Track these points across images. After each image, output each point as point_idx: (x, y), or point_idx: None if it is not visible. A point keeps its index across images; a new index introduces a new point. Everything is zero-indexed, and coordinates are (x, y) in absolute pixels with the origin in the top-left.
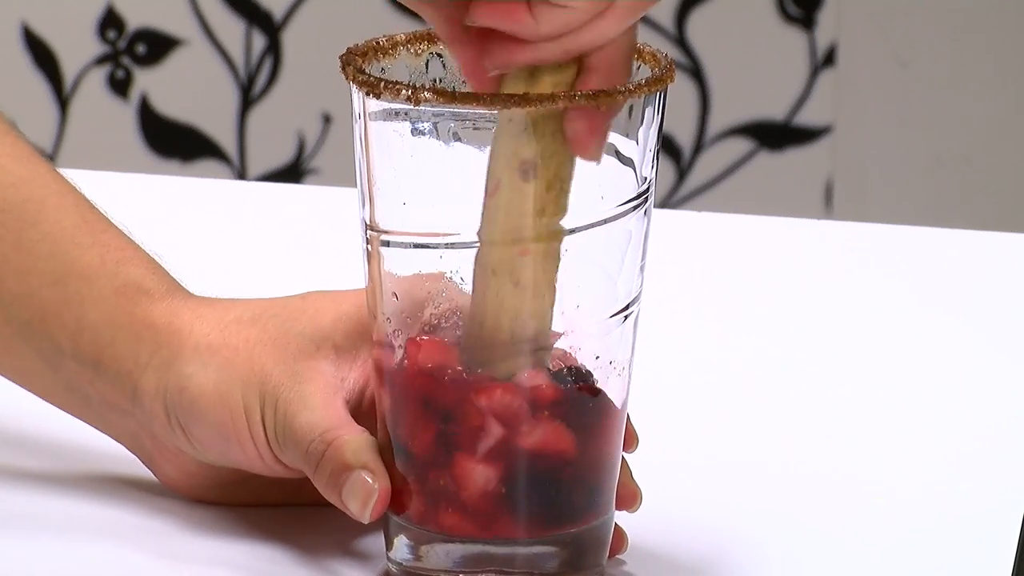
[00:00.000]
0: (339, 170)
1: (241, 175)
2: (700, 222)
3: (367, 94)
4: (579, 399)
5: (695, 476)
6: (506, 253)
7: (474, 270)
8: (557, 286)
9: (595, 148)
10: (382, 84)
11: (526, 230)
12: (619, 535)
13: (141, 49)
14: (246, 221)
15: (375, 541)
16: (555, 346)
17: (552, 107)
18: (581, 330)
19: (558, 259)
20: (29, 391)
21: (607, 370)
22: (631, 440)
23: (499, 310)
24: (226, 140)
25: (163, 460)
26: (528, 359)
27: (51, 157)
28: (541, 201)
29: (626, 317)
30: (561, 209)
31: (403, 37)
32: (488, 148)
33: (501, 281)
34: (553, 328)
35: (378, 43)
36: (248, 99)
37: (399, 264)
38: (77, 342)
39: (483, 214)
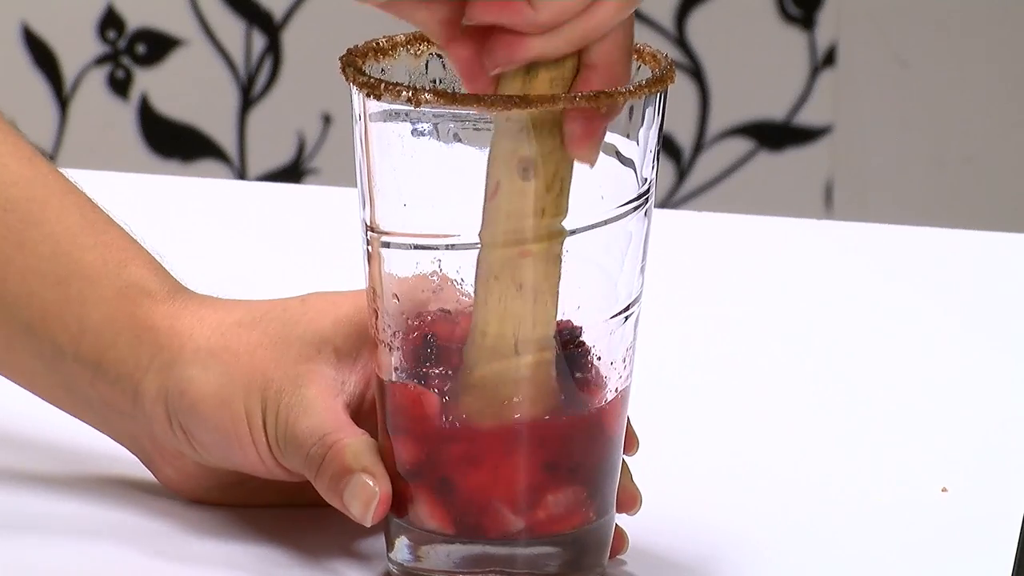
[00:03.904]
0: (339, 170)
1: (241, 175)
2: (700, 222)
3: (367, 95)
4: (580, 400)
5: (695, 477)
6: (508, 256)
7: (476, 276)
8: (559, 289)
9: (591, 150)
10: (382, 85)
11: (527, 231)
12: (619, 536)
13: (141, 49)
14: (246, 221)
15: (376, 542)
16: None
17: (553, 108)
18: (582, 331)
19: (560, 262)
20: (29, 391)
21: (607, 371)
22: (631, 443)
23: (503, 316)
24: (226, 140)
25: (163, 462)
26: (532, 368)
27: (51, 157)
28: (542, 201)
29: (627, 318)
30: (561, 210)
31: (403, 38)
32: (488, 150)
33: (504, 285)
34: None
35: (378, 44)
36: (248, 99)
37: (399, 265)
38: (78, 343)
39: (483, 218)
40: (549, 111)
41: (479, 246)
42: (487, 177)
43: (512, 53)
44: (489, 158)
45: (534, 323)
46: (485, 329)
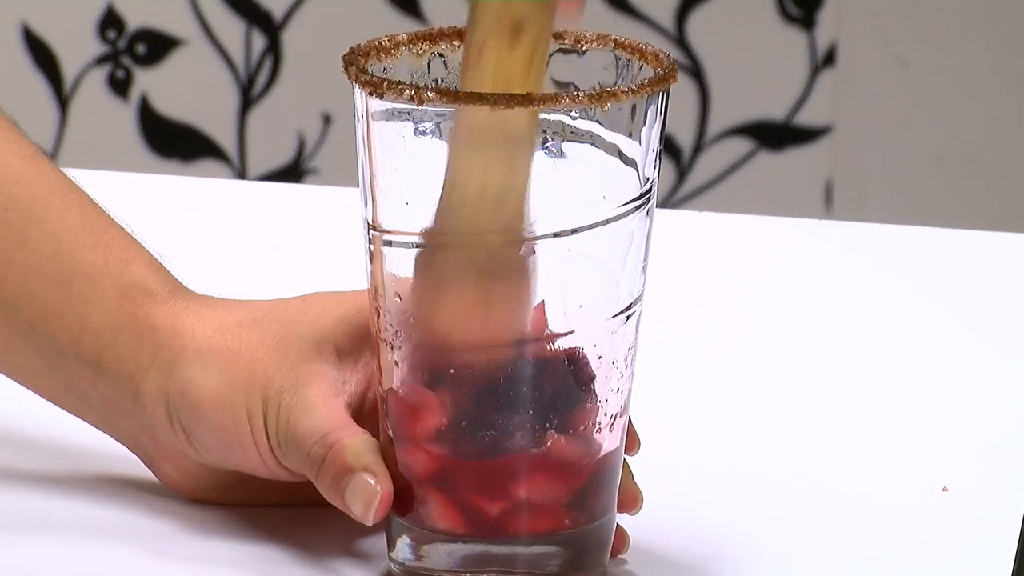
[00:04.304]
0: (339, 170)
1: (241, 175)
2: (700, 222)
3: (370, 94)
4: (579, 400)
5: (697, 477)
6: (493, 113)
7: (452, 137)
8: (558, 285)
9: (577, 4)
10: (385, 84)
11: (514, 89)
12: (621, 535)
13: (141, 49)
14: (246, 221)
15: (377, 541)
16: (559, 343)
17: (556, 106)
18: (583, 330)
19: (536, 137)
20: (30, 390)
21: (609, 370)
22: (632, 442)
23: (486, 169)
24: (226, 140)
25: (164, 461)
26: (510, 222)
27: (51, 157)
28: (528, 62)
29: (628, 317)
30: (544, 69)
31: (405, 37)
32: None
33: (488, 140)
34: (556, 328)
35: (380, 43)
36: (248, 99)
37: (401, 264)
38: (79, 343)
39: (464, 80)
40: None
41: (457, 105)
42: (469, 40)
43: None
44: (472, 18)
45: (514, 171)
46: (467, 184)
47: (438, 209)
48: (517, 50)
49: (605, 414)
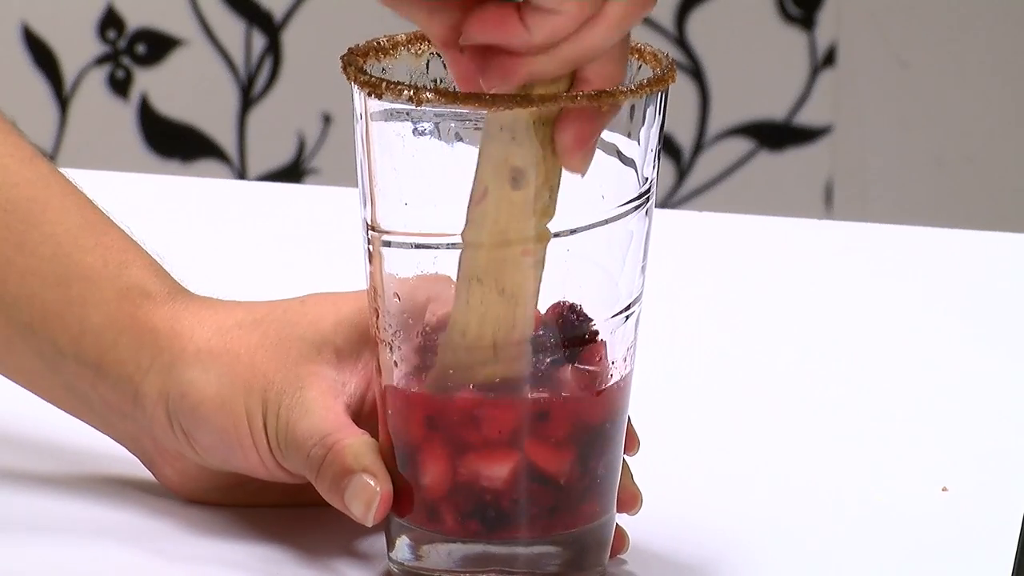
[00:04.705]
0: (339, 170)
1: (241, 175)
2: (700, 222)
3: (369, 94)
4: (580, 399)
5: (696, 477)
6: (492, 260)
7: (457, 277)
8: (559, 286)
9: (583, 160)
10: (384, 84)
11: (513, 238)
12: (620, 535)
13: (141, 49)
14: (246, 221)
15: (376, 541)
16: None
17: (555, 106)
18: (593, 324)
19: (543, 265)
20: (30, 391)
21: (608, 370)
22: (632, 442)
23: (483, 319)
24: (226, 140)
25: (164, 462)
26: (509, 365)
27: (51, 157)
28: (530, 209)
29: (627, 317)
30: (549, 214)
31: (404, 37)
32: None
33: (486, 289)
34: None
35: (379, 43)
36: (248, 99)
37: (400, 265)
38: (79, 345)
39: (468, 218)
40: (544, 115)
41: (462, 245)
42: (475, 180)
43: (507, 73)
44: (478, 161)
45: (513, 326)
46: (465, 329)
47: (440, 345)
48: (519, 192)
49: None
